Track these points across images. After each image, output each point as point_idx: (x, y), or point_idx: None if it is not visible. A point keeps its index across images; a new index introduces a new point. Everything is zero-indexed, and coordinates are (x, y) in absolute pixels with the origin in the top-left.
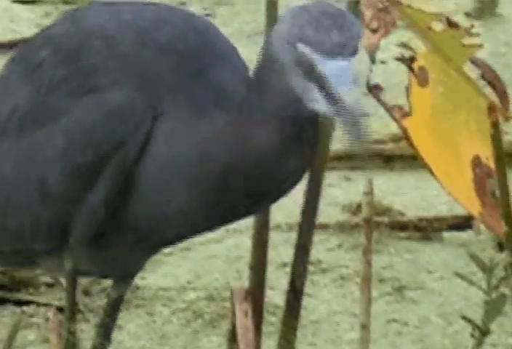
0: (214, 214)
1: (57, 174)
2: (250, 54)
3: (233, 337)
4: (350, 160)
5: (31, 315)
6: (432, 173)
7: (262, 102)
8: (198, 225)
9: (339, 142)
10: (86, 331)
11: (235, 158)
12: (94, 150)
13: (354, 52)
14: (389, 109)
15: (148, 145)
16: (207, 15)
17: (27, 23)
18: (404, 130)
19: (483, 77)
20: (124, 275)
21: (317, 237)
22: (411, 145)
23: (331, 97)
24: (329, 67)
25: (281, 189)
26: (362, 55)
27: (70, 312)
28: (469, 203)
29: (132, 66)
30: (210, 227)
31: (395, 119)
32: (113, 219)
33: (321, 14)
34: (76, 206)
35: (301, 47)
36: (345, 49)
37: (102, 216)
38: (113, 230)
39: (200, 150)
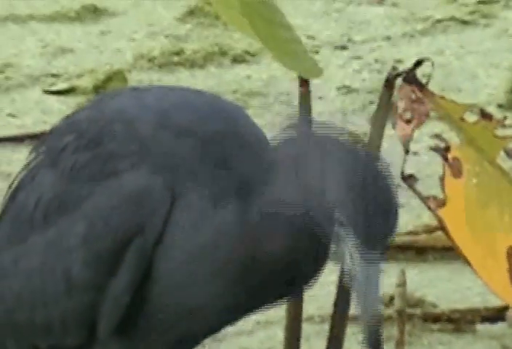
0: (238, 304)
1: (79, 263)
2: None
3: None
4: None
5: None
6: (467, 263)
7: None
8: (222, 316)
9: None
10: None
11: (250, 257)
12: (112, 236)
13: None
14: (424, 199)
15: (167, 231)
16: None
17: (58, 114)
18: (440, 220)
19: None
20: None
21: (350, 329)
22: (447, 235)
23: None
24: (363, 271)
25: (297, 287)
26: (395, 146)
27: None
28: (504, 294)
29: (151, 149)
30: (233, 319)
31: (430, 209)
32: (138, 308)
33: (374, 194)
34: (100, 294)
35: (344, 227)
36: (383, 244)
37: (126, 303)
38: (137, 319)
39: (217, 243)
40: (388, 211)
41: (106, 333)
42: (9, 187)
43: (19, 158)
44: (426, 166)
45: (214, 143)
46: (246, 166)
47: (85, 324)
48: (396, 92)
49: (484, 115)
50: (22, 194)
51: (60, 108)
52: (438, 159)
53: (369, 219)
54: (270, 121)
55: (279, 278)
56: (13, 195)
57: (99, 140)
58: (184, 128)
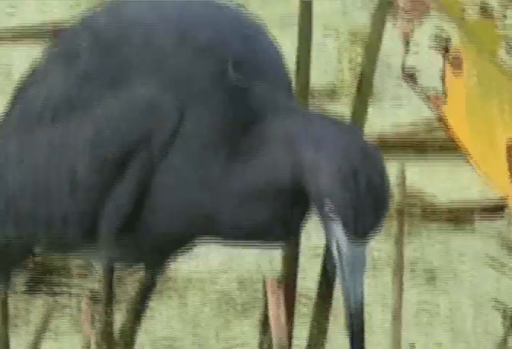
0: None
1: (85, 166)
2: None
3: (265, 326)
4: (382, 146)
5: (64, 305)
6: (467, 156)
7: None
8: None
9: (370, 127)
10: (118, 320)
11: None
12: (120, 143)
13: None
14: (425, 96)
15: (171, 145)
16: None
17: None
18: (441, 115)
19: None
20: (154, 266)
21: None
22: (446, 128)
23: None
24: (352, 252)
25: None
26: (397, 45)
27: (107, 302)
28: (505, 188)
29: (167, 63)
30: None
31: (431, 106)
32: (139, 213)
33: (367, 188)
34: (104, 198)
35: (333, 214)
36: (372, 234)
37: (129, 209)
38: (138, 224)
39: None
40: (378, 208)
41: (105, 236)
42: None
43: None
44: (427, 63)
45: (231, 68)
46: (258, 93)
47: (86, 224)
48: None
49: (484, 11)
50: (33, 88)
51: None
52: (438, 55)
53: (358, 213)
54: None
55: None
56: (25, 87)
57: (115, 48)
58: (203, 46)
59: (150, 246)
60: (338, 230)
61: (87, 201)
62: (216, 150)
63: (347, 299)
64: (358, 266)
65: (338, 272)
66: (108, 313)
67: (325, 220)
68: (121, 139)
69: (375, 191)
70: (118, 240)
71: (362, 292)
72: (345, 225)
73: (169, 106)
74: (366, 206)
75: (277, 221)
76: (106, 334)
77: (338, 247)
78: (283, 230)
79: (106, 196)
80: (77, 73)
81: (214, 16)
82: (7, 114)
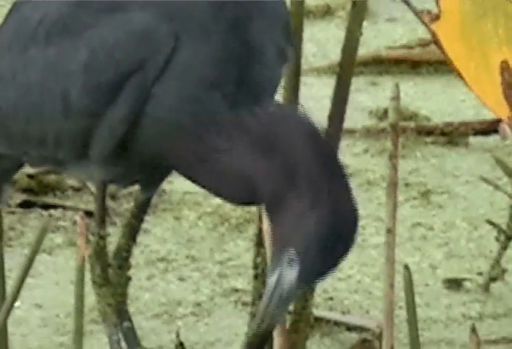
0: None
1: (79, 88)
2: None
3: (259, 242)
4: (377, 65)
5: (58, 219)
6: (460, 77)
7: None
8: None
9: (366, 47)
10: (113, 235)
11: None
12: (115, 67)
13: None
14: (418, 13)
15: (167, 73)
16: None
17: None
18: (433, 34)
19: None
20: (147, 184)
21: (344, 142)
22: (440, 48)
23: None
24: (291, 291)
25: None
26: None
27: (100, 216)
28: (497, 107)
29: None
30: None
31: (424, 23)
32: (131, 136)
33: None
34: (96, 121)
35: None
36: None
37: (122, 133)
38: (130, 149)
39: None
40: (342, 250)
41: (97, 156)
42: None
43: None
44: None
45: (231, 7)
46: (256, 33)
47: (78, 144)
48: None
49: None
50: (27, 7)
51: None
52: None
53: (319, 271)
54: None
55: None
56: (18, 6)
57: None
58: None
59: (141, 165)
60: (290, 273)
61: (80, 122)
62: (212, 84)
63: (263, 318)
64: (287, 301)
65: (266, 296)
66: (101, 229)
67: (280, 259)
68: (116, 64)
69: (341, 255)
70: (109, 160)
71: (276, 321)
72: (301, 274)
73: (164, 33)
74: (328, 266)
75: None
76: (99, 248)
77: (279, 280)
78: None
79: (99, 119)
80: None
81: None
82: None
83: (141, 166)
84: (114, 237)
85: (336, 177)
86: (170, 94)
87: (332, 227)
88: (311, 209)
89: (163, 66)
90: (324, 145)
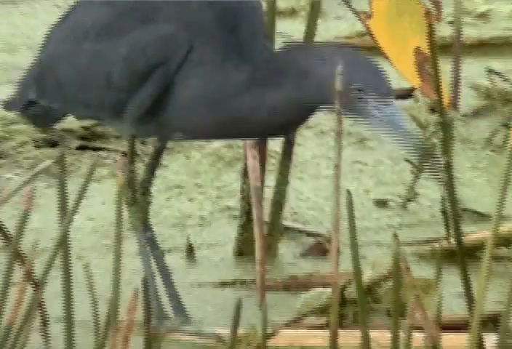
0: (228, 132)
1: (119, 73)
2: None
3: (245, 174)
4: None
5: (104, 158)
6: (386, 58)
7: (286, 80)
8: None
9: (320, 37)
10: (142, 169)
11: (249, 114)
12: (146, 61)
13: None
14: (357, 12)
15: (184, 67)
16: None
17: None
18: (368, 27)
19: None
20: (162, 137)
21: None
22: (372, 38)
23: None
24: (389, 111)
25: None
26: None
27: (130, 157)
28: (413, 79)
29: (182, 11)
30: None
31: (361, 20)
32: (154, 109)
33: (371, 65)
34: (130, 95)
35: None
36: (392, 93)
37: (148, 105)
38: (154, 115)
39: (218, 95)
40: (383, 78)
41: (129, 120)
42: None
43: None
44: None
45: (227, 15)
46: (248, 35)
47: (115, 109)
48: None
49: None
50: (82, 14)
51: None
52: None
53: (374, 82)
54: None
55: (266, 132)
56: (75, 9)
57: None
58: (210, 1)
59: (163, 128)
60: (372, 104)
61: (117, 95)
62: (222, 64)
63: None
64: (397, 120)
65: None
66: (131, 166)
67: (361, 106)
68: (147, 59)
69: (378, 70)
70: (138, 122)
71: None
72: (377, 98)
73: (182, 39)
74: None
75: (289, 125)
76: (129, 180)
77: (375, 115)
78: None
79: (132, 94)
80: (116, 9)
81: None
82: (59, 24)
83: (161, 128)
84: (142, 171)
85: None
86: (185, 83)
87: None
88: None
89: (181, 62)
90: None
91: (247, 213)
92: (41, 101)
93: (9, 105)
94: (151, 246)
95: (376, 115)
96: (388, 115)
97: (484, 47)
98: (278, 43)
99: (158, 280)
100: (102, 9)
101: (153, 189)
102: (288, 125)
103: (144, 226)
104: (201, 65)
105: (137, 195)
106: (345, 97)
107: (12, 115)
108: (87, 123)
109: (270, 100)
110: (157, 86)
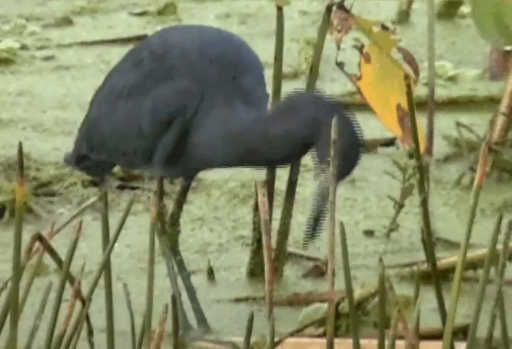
0: (242, 161)
1: (147, 123)
2: None
3: (256, 208)
4: None
5: (140, 195)
6: (374, 112)
7: (289, 122)
8: (229, 163)
9: None
10: (171, 204)
11: (256, 143)
12: (168, 111)
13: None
14: (349, 76)
15: (199, 115)
16: None
17: (137, 27)
18: (358, 88)
19: (404, 58)
20: (188, 176)
21: None
22: (362, 96)
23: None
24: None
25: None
26: (332, 46)
27: (160, 195)
28: (395, 130)
29: (193, 68)
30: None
31: (352, 81)
32: (177, 152)
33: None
34: (157, 141)
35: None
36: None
37: (171, 149)
38: (177, 158)
39: (230, 131)
40: (355, 157)
41: (157, 163)
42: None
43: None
44: (350, 57)
45: (229, 67)
46: (250, 82)
47: (146, 155)
48: (332, 14)
49: (383, 27)
50: (115, 79)
51: (137, 24)
52: (357, 53)
53: (343, 160)
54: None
55: (272, 160)
56: (110, 74)
57: (163, 58)
58: (214, 57)
59: (187, 167)
60: (328, 176)
61: (147, 142)
62: (229, 108)
63: (317, 205)
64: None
65: (320, 190)
66: (161, 202)
67: (321, 166)
68: (168, 109)
69: (358, 151)
70: (165, 165)
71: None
72: (335, 171)
73: (196, 91)
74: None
75: (289, 158)
76: (160, 214)
77: (323, 184)
78: (290, 162)
79: (159, 140)
80: (141, 71)
81: (218, 37)
82: (99, 89)
83: (185, 168)
84: (171, 206)
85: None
86: (201, 126)
87: (350, 145)
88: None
89: (195, 110)
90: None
91: (258, 241)
92: (90, 155)
93: (66, 161)
94: (180, 268)
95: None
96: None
97: (453, 104)
98: None
99: (185, 296)
100: (131, 73)
101: (180, 221)
102: (290, 154)
103: (173, 252)
104: (214, 109)
105: (166, 227)
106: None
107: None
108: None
109: (273, 133)
110: (176, 132)
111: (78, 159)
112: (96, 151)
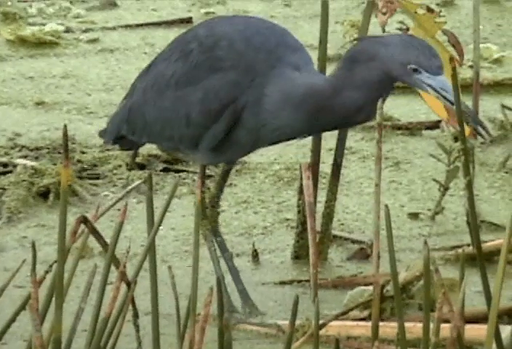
0: (308, 129)
1: (196, 112)
2: None
3: (301, 191)
4: None
5: (184, 178)
6: (419, 95)
7: (354, 79)
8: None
9: None
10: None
11: (328, 104)
12: (218, 102)
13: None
14: None
15: (248, 103)
16: None
17: (181, 10)
18: None
19: (448, 41)
20: (230, 161)
21: (349, 133)
22: None
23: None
24: (438, 82)
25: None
26: (377, 29)
27: (202, 178)
28: (441, 113)
29: (241, 57)
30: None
31: None
32: (226, 140)
33: (421, 46)
34: (206, 130)
35: (416, 69)
36: (442, 70)
37: (220, 138)
38: (224, 145)
39: (303, 92)
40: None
41: (204, 149)
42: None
43: (162, 35)
44: None
45: (274, 52)
46: (295, 61)
47: (193, 142)
48: None
49: (428, 9)
50: (162, 67)
51: (182, 6)
52: None
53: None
54: None
55: (339, 121)
56: (155, 63)
57: (212, 49)
58: (259, 45)
59: (228, 155)
60: (426, 77)
61: (195, 130)
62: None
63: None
64: (447, 87)
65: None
66: (204, 184)
67: (416, 80)
68: (220, 99)
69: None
70: (211, 152)
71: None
72: (427, 69)
73: (245, 81)
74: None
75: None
76: (202, 197)
77: (431, 85)
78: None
79: (206, 129)
80: (191, 62)
81: (262, 26)
82: (144, 74)
83: (229, 155)
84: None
85: None
86: (252, 116)
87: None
88: None
89: (246, 100)
90: None
91: (302, 224)
92: (131, 137)
93: (102, 136)
94: (222, 249)
95: (431, 85)
96: (440, 81)
97: (498, 87)
98: None
99: (229, 279)
100: (179, 63)
101: (225, 204)
102: (365, 107)
103: (214, 233)
104: (261, 99)
105: (206, 211)
106: (404, 74)
107: None
108: None
109: (348, 83)
110: (228, 122)
111: (117, 138)
112: (138, 134)
